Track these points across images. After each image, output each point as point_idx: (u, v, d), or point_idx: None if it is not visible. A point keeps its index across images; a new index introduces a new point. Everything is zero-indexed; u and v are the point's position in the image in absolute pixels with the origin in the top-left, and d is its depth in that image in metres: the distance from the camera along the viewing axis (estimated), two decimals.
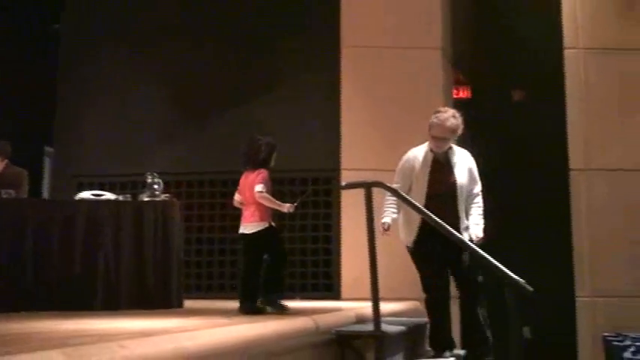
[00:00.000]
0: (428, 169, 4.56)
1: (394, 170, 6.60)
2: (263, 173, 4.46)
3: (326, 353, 3.91)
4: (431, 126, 4.64)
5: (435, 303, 4.63)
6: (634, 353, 5.16)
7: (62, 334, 2.91)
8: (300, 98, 7.68)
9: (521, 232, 7.51)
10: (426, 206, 4.32)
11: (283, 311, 4.36)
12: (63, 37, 8.20)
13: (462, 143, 4.84)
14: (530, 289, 3.87)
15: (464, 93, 8.38)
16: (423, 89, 7.14)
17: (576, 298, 7.02)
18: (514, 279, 3.95)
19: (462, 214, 4.51)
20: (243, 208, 4.56)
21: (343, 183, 5.03)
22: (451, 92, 7.85)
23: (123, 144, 7.82)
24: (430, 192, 4.49)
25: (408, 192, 4.45)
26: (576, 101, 7.25)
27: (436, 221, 4.16)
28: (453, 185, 4.52)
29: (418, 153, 4.70)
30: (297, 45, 7.71)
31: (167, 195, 5.36)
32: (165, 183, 5.51)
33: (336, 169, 7.08)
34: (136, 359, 2.20)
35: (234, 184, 7.58)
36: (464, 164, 4.63)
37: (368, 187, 4.10)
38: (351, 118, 7.14)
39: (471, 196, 4.58)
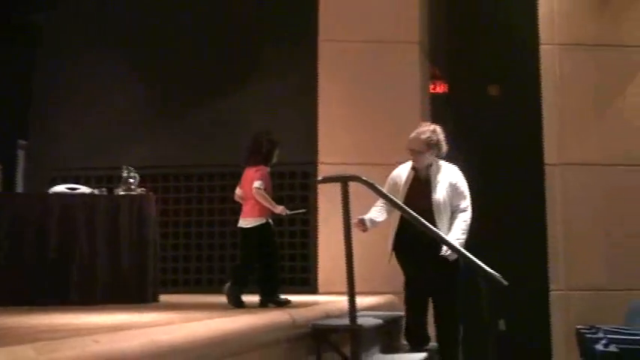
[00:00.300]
0: (407, 187, 4.61)
1: (371, 164, 6.64)
2: (262, 170, 4.47)
3: (302, 347, 3.92)
4: (408, 140, 4.69)
5: (412, 299, 4.66)
6: (606, 345, 5.23)
7: (34, 329, 2.88)
8: (278, 91, 7.66)
9: (497, 227, 7.55)
10: (403, 222, 4.44)
11: (286, 305, 4.38)
12: (38, 31, 8.08)
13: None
14: (505, 282, 3.91)
15: (440, 88, 8.42)
16: (401, 83, 7.16)
17: (550, 292, 7.10)
18: (489, 272, 3.99)
19: (444, 231, 4.51)
20: (243, 202, 4.59)
21: (320, 177, 5.04)
22: (428, 87, 7.88)
23: (98, 137, 7.74)
24: (408, 206, 4.52)
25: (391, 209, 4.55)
26: (551, 96, 7.32)
27: (412, 215, 4.19)
28: (429, 203, 4.54)
29: (402, 170, 4.75)
30: (274, 38, 7.68)
31: (143, 189, 5.32)
32: (141, 177, 5.47)
33: (313, 163, 7.08)
34: (110, 354, 2.18)
35: (211, 177, 7.62)
36: (445, 180, 4.63)
37: (345, 181, 4.10)
38: (329, 112, 7.13)
39: (456, 212, 4.59)
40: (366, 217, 4.56)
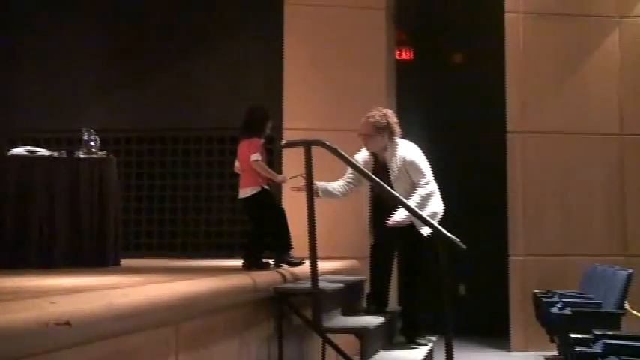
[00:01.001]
0: (370, 167, 4.64)
1: (336, 130, 6.64)
2: (256, 142, 4.44)
3: (264, 310, 3.95)
4: (359, 126, 4.69)
5: (378, 264, 4.74)
6: (561, 309, 5.39)
7: None
8: (243, 56, 7.58)
9: (460, 193, 7.65)
10: (374, 199, 4.60)
11: (298, 265, 4.42)
12: None
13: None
14: (463, 246, 3.98)
15: (406, 54, 8.42)
16: (367, 49, 7.14)
17: (509, 258, 7.25)
18: (448, 237, 4.05)
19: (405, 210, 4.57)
20: (240, 174, 4.58)
21: (283, 142, 5.03)
22: (394, 53, 7.88)
23: (58, 99, 7.59)
24: (372, 192, 4.66)
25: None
26: (514, 65, 7.38)
27: (374, 179, 4.23)
28: (387, 179, 4.56)
29: (363, 156, 4.77)
30: (240, 1, 7.57)
31: (104, 152, 5.24)
32: (102, 140, 5.38)
33: (278, 129, 7.05)
34: (66, 315, 2.17)
35: (174, 141, 7.54)
36: (401, 158, 4.62)
37: (308, 145, 4.11)
38: (294, 77, 7.09)
39: (404, 183, 4.62)
40: (321, 183, 4.57)
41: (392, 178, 4.59)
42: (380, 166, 4.67)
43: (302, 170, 4.13)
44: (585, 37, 7.50)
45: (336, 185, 4.70)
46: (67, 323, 2.14)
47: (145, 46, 7.62)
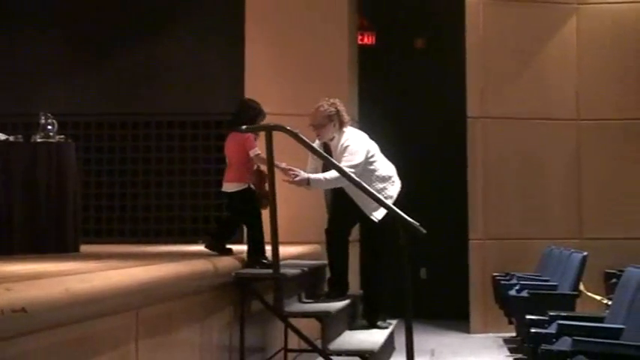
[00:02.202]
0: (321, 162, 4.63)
1: (298, 115, 6.62)
2: (250, 136, 4.35)
3: (225, 295, 3.95)
4: (310, 117, 4.68)
5: (341, 248, 4.78)
6: (518, 291, 5.50)
7: None
8: (204, 39, 7.49)
9: (421, 177, 7.73)
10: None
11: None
12: None
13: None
14: (423, 230, 4.03)
15: (368, 39, 8.43)
16: (329, 34, 7.12)
17: (469, 241, 7.36)
18: (408, 221, 4.09)
19: (353, 196, 4.59)
20: (227, 167, 4.50)
21: (244, 127, 5.00)
22: (356, 38, 7.88)
23: (15, 82, 7.41)
24: (324, 172, 4.59)
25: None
26: (475, 50, 7.45)
27: (334, 164, 4.25)
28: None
29: (316, 145, 4.73)
30: None
31: (62, 136, 5.15)
32: (61, 124, 5.28)
33: None
34: (22, 302, 2.14)
35: (135, 126, 7.44)
36: (341, 145, 4.62)
37: (269, 130, 4.10)
38: (256, 61, 7.05)
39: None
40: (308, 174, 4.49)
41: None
42: (329, 154, 4.69)
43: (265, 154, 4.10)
44: (544, 24, 7.61)
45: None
46: (23, 310, 2.12)
47: (104, 29, 7.49)
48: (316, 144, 4.68)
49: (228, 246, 4.48)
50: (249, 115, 4.44)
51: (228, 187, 4.42)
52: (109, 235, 7.22)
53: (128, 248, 5.77)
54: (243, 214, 4.44)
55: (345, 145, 4.61)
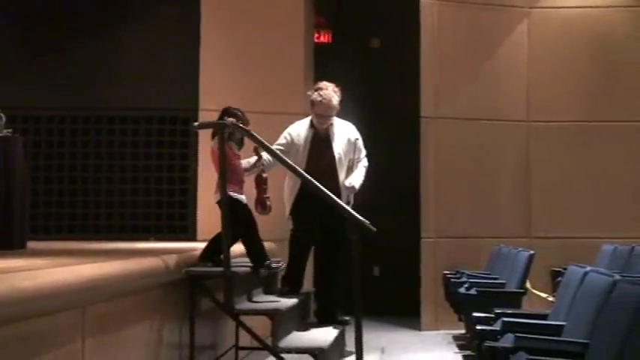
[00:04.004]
0: (308, 146, 4.66)
1: (253, 112, 6.59)
2: (214, 147, 4.25)
3: (175, 293, 3.93)
4: (314, 103, 4.72)
5: (301, 249, 4.80)
6: (468, 289, 5.61)
7: None
8: (160, 35, 7.41)
9: (375, 177, 7.80)
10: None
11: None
12: None
13: None
14: (374, 229, 4.08)
15: (324, 37, 8.47)
16: (285, 31, 7.13)
17: (421, 239, 7.46)
18: (359, 220, 4.13)
19: (342, 185, 4.70)
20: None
21: (196, 123, 4.99)
22: (312, 36, 7.90)
23: None
24: (309, 167, 4.61)
25: None
26: (429, 51, 7.55)
27: (289, 164, 4.26)
28: (332, 160, 4.67)
29: (300, 129, 4.78)
30: None
31: (9, 130, 5.04)
32: (10, 118, 5.17)
33: (194, 109, 6.97)
34: None
35: (86, 121, 7.31)
36: (344, 137, 4.78)
37: (222, 127, 4.09)
38: (211, 58, 7.01)
39: (355, 163, 4.82)
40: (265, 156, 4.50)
41: (336, 153, 4.71)
42: (321, 140, 4.73)
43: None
44: (497, 26, 7.76)
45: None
46: None
47: (57, 22, 7.33)
48: (306, 130, 4.68)
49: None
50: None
51: (214, 198, 4.31)
52: (59, 232, 7.09)
53: (77, 245, 5.68)
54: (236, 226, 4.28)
55: (353, 140, 4.80)
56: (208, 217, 6.67)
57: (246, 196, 4.37)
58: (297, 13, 7.18)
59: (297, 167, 4.34)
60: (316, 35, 8.22)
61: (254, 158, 4.58)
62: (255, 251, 4.33)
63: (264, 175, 4.45)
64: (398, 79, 8.27)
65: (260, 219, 4.42)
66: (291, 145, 4.74)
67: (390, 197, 8.16)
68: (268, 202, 4.44)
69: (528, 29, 7.78)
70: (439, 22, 7.60)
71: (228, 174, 4.12)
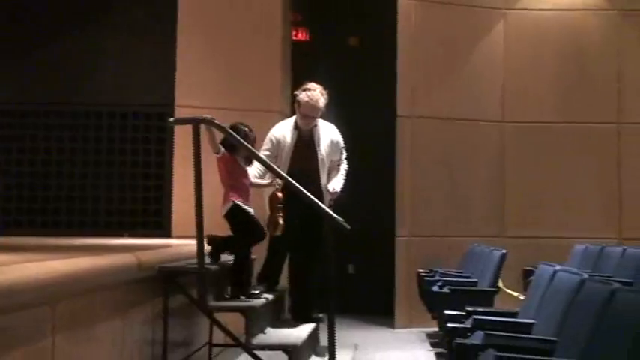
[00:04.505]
0: (292, 147, 4.68)
1: (230, 109, 6.59)
2: (224, 159, 4.24)
3: (149, 289, 3.92)
4: (300, 103, 4.76)
5: (279, 248, 4.81)
6: (441, 287, 5.66)
7: None
8: (136, 30, 7.35)
9: (352, 175, 7.82)
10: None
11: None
12: None
13: None
14: (348, 226, 4.10)
15: (302, 35, 8.47)
16: (262, 29, 7.11)
17: (396, 238, 7.50)
18: (334, 218, 4.15)
19: (324, 187, 4.76)
20: None
21: (172, 119, 4.97)
22: (290, 33, 7.90)
23: None
24: (292, 168, 4.64)
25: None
26: (406, 50, 7.59)
27: (266, 162, 4.26)
28: (315, 161, 4.71)
29: (285, 130, 4.78)
30: None
31: None
32: None
33: (170, 105, 6.93)
34: None
35: (59, 115, 7.24)
36: (327, 138, 4.84)
37: (196, 123, 4.08)
38: (187, 54, 6.97)
39: (336, 165, 4.88)
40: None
41: (320, 155, 4.76)
42: (305, 142, 4.77)
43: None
44: (473, 27, 7.83)
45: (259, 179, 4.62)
46: None
47: (28, 18, 7.24)
48: (290, 131, 4.69)
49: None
50: (235, 142, 4.19)
51: (222, 211, 4.30)
52: (31, 226, 7.01)
53: (50, 240, 5.63)
54: (238, 232, 4.30)
55: (336, 141, 4.85)
56: (183, 214, 6.65)
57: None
58: (274, 10, 7.17)
59: (280, 171, 4.31)
60: (294, 33, 8.22)
61: (264, 181, 4.56)
62: (239, 272, 4.26)
63: (279, 194, 4.38)
64: (376, 78, 8.30)
65: None
66: (277, 148, 4.77)
67: (366, 196, 8.20)
68: (281, 222, 4.38)
69: (504, 31, 7.86)
70: (416, 21, 7.65)
71: (231, 183, 4.21)
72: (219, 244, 4.38)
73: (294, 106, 5.04)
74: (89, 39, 7.28)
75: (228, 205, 4.29)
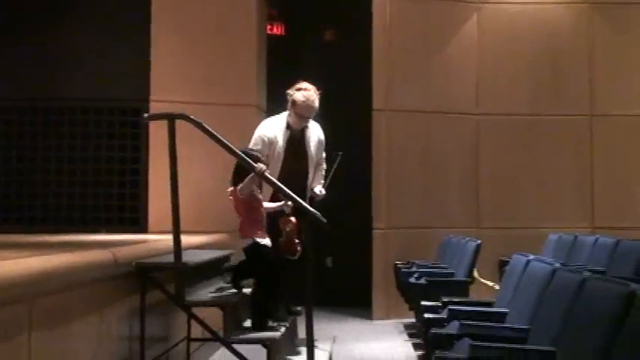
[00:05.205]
0: (284, 147, 4.65)
1: (205, 103, 6.57)
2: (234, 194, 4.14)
3: (126, 286, 3.90)
4: (297, 103, 4.69)
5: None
6: (417, 278, 5.72)
7: None
8: (110, 24, 7.29)
9: (328, 169, 7.84)
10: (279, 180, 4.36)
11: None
12: None
13: None
14: (324, 220, 4.12)
15: (277, 29, 8.46)
16: (237, 23, 7.09)
17: (373, 230, 7.55)
18: (311, 212, 4.17)
19: (309, 187, 4.79)
20: None
21: (146, 115, 4.95)
22: (265, 28, 7.89)
23: None
24: (284, 168, 4.62)
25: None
26: (382, 44, 7.63)
27: (242, 158, 4.26)
28: (305, 161, 4.72)
29: (277, 129, 4.71)
30: None
31: None
32: None
33: (145, 100, 6.89)
34: None
35: (34, 112, 7.16)
36: (315, 137, 4.83)
37: (171, 119, 4.07)
38: (162, 48, 6.93)
39: (319, 164, 4.87)
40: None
41: (310, 155, 4.76)
42: (295, 141, 4.73)
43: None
44: (448, 20, 7.88)
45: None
46: None
47: (4, 12, 7.14)
48: (282, 130, 4.65)
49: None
50: (243, 174, 4.10)
51: (241, 243, 4.20)
52: (5, 224, 6.93)
53: (24, 238, 5.58)
54: (257, 270, 4.19)
55: (322, 140, 4.85)
56: (159, 210, 6.62)
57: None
58: (249, 4, 7.15)
59: (252, 163, 4.19)
60: (269, 27, 8.21)
61: (276, 204, 4.44)
62: (261, 305, 4.17)
63: (293, 219, 4.32)
64: (351, 71, 8.33)
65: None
66: (268, 148, 4.65)
67: (342, 189, 8.21)
68: (299, 248, 4.34)
69: (478, 24, 7.93)
70: (391, 15, 7.69)
71: (250, 217, 4.09)
72: (242, 273, 4.28)
73: (285, 106, 4.88)
74: (61, 34, 7.20)
75: (248, 241, 4.16)
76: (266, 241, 4.17)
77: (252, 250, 4.13)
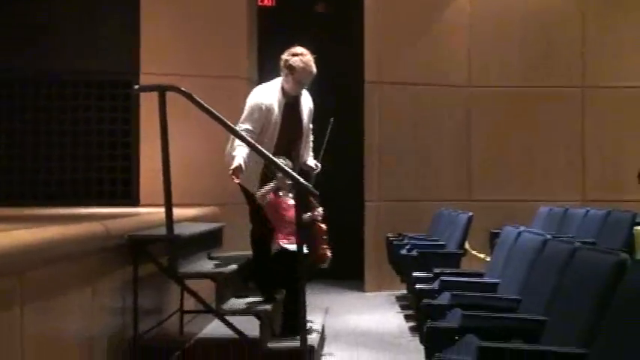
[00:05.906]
0: (280, 115, 4.44)
1: (196, 75, 6.51)
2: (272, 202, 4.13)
3: (118, 258, 3.90)
4: (296, 70, 4.45)
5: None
6: (409, 250, 5.74)
7: None
8: None
9: (319, 142, 7.83)
10: (275, 151, 4.30)
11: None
12: None
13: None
14: (316, 192, 4.12)
15: (268, 1, 8.38)
16: None
17: (365, 203, 7.57)
18: (302, 183, 4.16)
19: (302, 158, 4.66)
20: None
21: (136, 86, 4.90)
22: None
23: None
24: (281, 137, 4.45)
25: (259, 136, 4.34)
26: (373, 16, 7.57)
27: (239, 134, 4.24)
28: (300, 130, 4.54)
29: (273, 96, 4.48)
30: None
31: None
32: None
33: (135, 73, 6.84)
34: None
35: (23, 85, 7.09)
36: (307, 105, 4.64)
37: (162, 90, 4.02)
38: (152, 20, 6.87)
39: (308, 135, 4.69)
40: (241, 161, 4.16)
41: (304, 124, 4.57)
42: (289, 109, 4.52)
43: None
44: None
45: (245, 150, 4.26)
46: None
47: None
48: (277, 98, 4.50)
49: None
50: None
51: (273, 249, 4.18)
52: (8, 198, 6.90)
53: (15, 211, 5.56)
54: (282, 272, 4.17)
55: (312, 108, 4.63)
56: (152, 182, 6.61)
57: None
58: None
59: (261, 149, 4.08)
60: None
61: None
62: (294, 315, 4.08)
63: (323, 226, 4.29)
64: (343, 44, 8.27)
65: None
66: (266, 117, 4.43)
67: (334, 162, 8.21)
68: (329, 254, 4.29)
69: None
70: None
71: (279, 225, 4.05)
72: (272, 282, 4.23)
73: (280, 72, 4.58)
74: (51, 5, 7.11)
75: (276, 247, 4.17)
76: (292, 247, 4.09)
77: (280, 255, 4.11)
